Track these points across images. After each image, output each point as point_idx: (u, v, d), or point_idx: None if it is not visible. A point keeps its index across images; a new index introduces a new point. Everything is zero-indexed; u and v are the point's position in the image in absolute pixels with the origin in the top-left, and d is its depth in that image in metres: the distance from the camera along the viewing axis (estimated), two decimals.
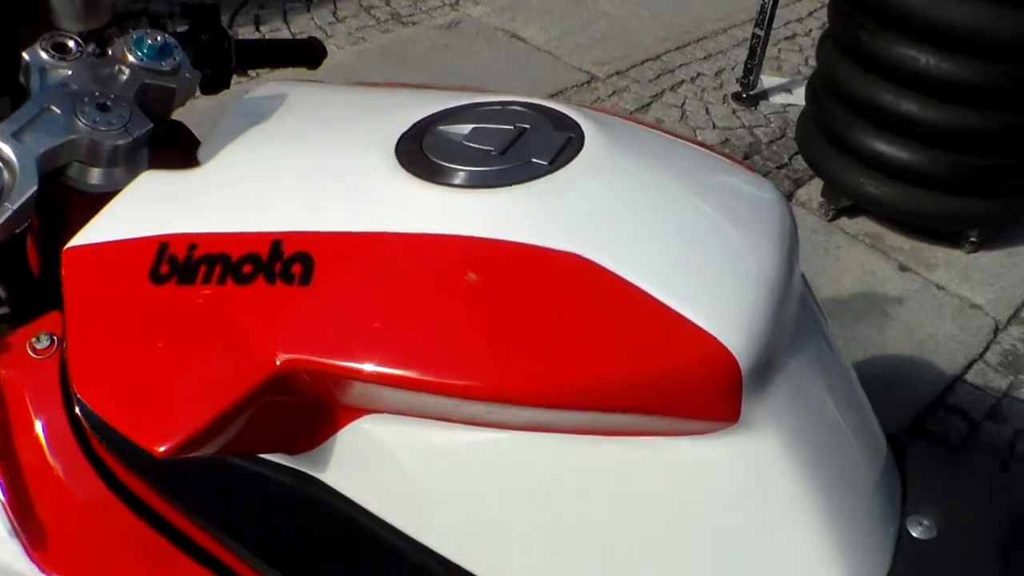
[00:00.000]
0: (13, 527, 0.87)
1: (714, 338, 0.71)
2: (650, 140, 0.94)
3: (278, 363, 0.71)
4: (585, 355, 0.70)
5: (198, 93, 1.14)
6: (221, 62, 1.24)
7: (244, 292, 0.75)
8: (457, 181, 0.81)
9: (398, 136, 0.88)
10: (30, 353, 0.91)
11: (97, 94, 0.99)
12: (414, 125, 0.89)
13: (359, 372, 0.69)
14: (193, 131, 1.19)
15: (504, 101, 0.94)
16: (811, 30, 4.43)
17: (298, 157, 0.92)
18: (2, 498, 0.88)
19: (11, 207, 0.88)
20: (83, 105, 0.96)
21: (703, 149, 0.97)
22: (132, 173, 0.98)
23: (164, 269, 0.80)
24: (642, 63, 4.01)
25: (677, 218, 0.81)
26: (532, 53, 4.06)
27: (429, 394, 0.69)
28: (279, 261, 0.76)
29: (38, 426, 0.89)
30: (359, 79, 3.77)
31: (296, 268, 0.75)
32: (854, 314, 2.73)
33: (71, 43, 1.07)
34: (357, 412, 0.75)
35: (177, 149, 1.11)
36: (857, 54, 2.88)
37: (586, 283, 0.73)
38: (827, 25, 3.12)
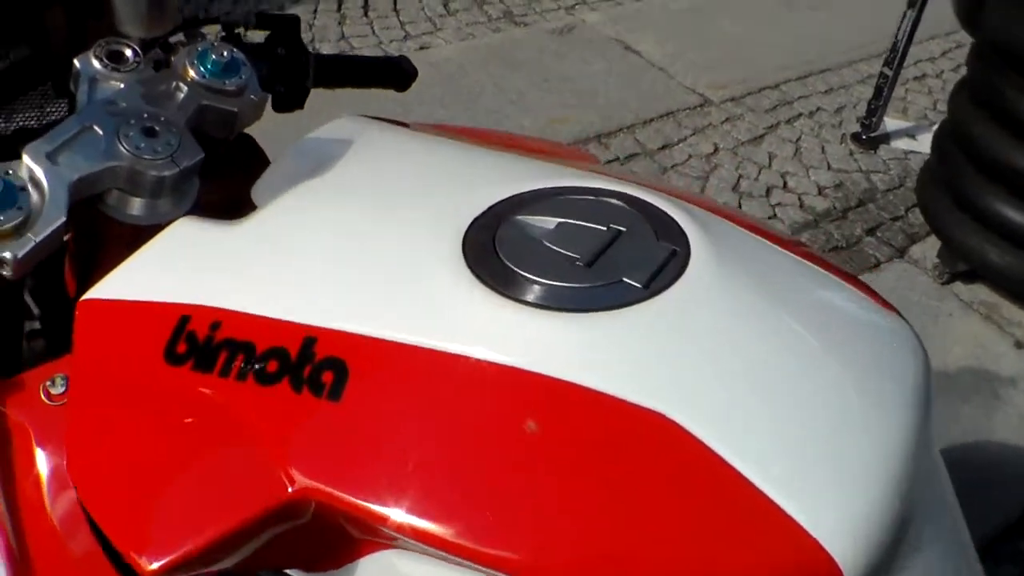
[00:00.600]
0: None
1: (816, 542, 0.57)
2: (766, 258, 0.79)
3: (292, 490, 0.59)
4: (654, 547, 0.57)
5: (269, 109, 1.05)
6: (297, 80, 1.16)
7: (265, 396, 0.65)
8: (531, 297, 0.69)
9: (470, 220, 0.76)
10: (43, 397, 0.84)
11: (145, 115, 0.91)
12: (490, 208, 0.77)
13: (383, 519, 0.58)
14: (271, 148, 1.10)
15: (600, 190, 0.81)
16: (943, 72, 4.18)
17: (352, 228, 0.82)
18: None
19: (34, 239, 0.80)
20: (128, 127, 0.88)
21: (828, 272, 0.81)
22: (178, 206, 0.91)
23: (181, 348, 0.71)
24: (759, 91, 3.83)
25: (790, 375, 0.67)
26: (645, 69, 3.90)
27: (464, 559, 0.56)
28: (309, 364, 0.66)
29: (42, 475, 0.83)
30: (464, 78, 3.67)
31: (327, 376, 0.65)
32: (960, 391, 2.52)
33: (128, 52, 0.99)
34: (382, 545, 0.63)
35: (235, 176, 1.03)
36: (996, 108, 2.66)
37: (668, 453, 0.60)
38: (963, 70, 2.90)
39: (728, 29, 4.28)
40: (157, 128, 0.89)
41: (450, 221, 0.75)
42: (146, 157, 0.87)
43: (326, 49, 3.81)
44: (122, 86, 0.95)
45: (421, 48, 3.89)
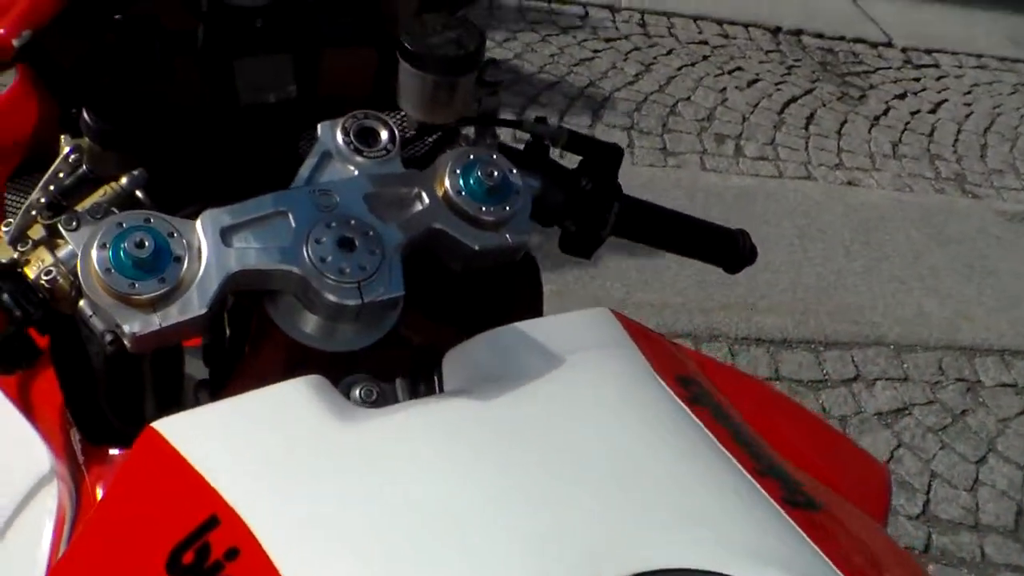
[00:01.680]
0: None
1: None
2: None
3: None
4: None
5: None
6: (594, 223, 0.99)
7: None
8: None
9: None
10: None
11: (353, 221, 0.76)
12: None
13: None
14: None
15: None
16: None
17: (457, 520, 0.63)
18: None
19: (159, 323, 0.71)
20: (324, 230, 0.75)
21: None
22: (362, 336, 0.78)
23: (187, 558, 0.63)
24: None
25: None
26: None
27: None
28: None
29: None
30: (880, 231, 3.29)
31: None
32: None
33: (384, 134, 0.85)
34: None
35: (457, 315, 0.91)
36: None
37: None
38: None
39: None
40: (357, 242, 0.75)
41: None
42: (328, 276, 0.73)
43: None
44: (355, 173, 0.82)
45: (849, 183, 3.56)
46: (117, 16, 0.99)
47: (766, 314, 2.83)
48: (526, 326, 0.78)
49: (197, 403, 0.96)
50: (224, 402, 0.73)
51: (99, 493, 0.83)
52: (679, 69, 3.97)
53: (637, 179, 3.22)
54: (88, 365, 0.89)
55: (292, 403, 0.70)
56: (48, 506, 0.95)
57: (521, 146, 0.99)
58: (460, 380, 0.76)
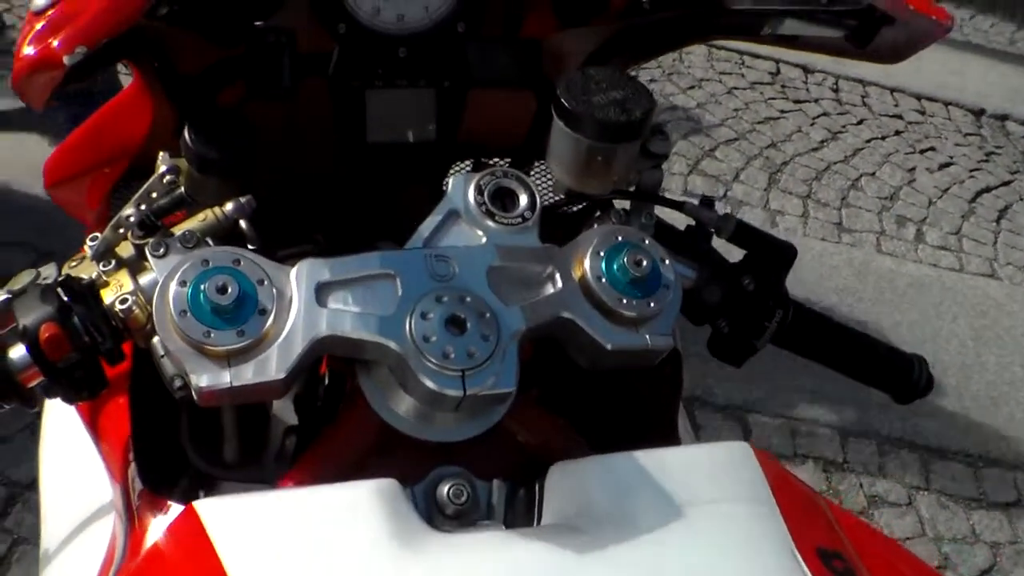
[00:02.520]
0: None
1: None
2: None
3: None
4: None
5: None
6: (752, 329, 0.87)
7: None
8: None
9: None
10: None
11: (468, 299, 0.67)
12: None
13: None
14: None
15: None
16: None
17: None
18: None
19: (229, 382, 0.64)
20: (433, 304, 0.67)
21: None
22: (464, 428, 0.70)
23: None
24: None
25: None
26: None
27: None
28: None
29: None
30: None
31: None
32: None
33: (523, 198, 0.76)
34: None
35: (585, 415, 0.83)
36: None
37: None
38: None
39: None
40: (469, 324, 0.66)
41: None
42: (430, 359, 0.65)
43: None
44: (482, 240, 0.74)
45: None
46: (258, 23, 0.94)
47: (925, 417, 2.64)
48: (648, 457, 0.69)
49: (283, 452, 0.92)
50: (276, 493, 0.68)
51: (147, 542, 0.79)
52: (868, 141, 3.79)
53: (807, 252, 3.07)
54: (165, 402, 0.82)
55: (351, 512, 0.63)
56: (101, 538, 0.92)
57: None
58: (563, 502, 0.68)
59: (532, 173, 1.14)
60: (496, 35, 1.03)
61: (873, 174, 3.61)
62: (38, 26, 0.75)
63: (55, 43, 0.73)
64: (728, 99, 3.78)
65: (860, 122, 3.90)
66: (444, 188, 0.77)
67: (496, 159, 1.19)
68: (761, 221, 3.18)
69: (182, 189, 0.77)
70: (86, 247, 0.77)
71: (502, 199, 0.76)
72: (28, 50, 0.74)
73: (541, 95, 1.03)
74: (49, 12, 0.76)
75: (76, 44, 0.72)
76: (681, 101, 3.67)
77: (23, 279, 0.76)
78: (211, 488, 0.95)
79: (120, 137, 0.99)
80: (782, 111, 3.81)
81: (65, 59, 0.72)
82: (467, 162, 1.20)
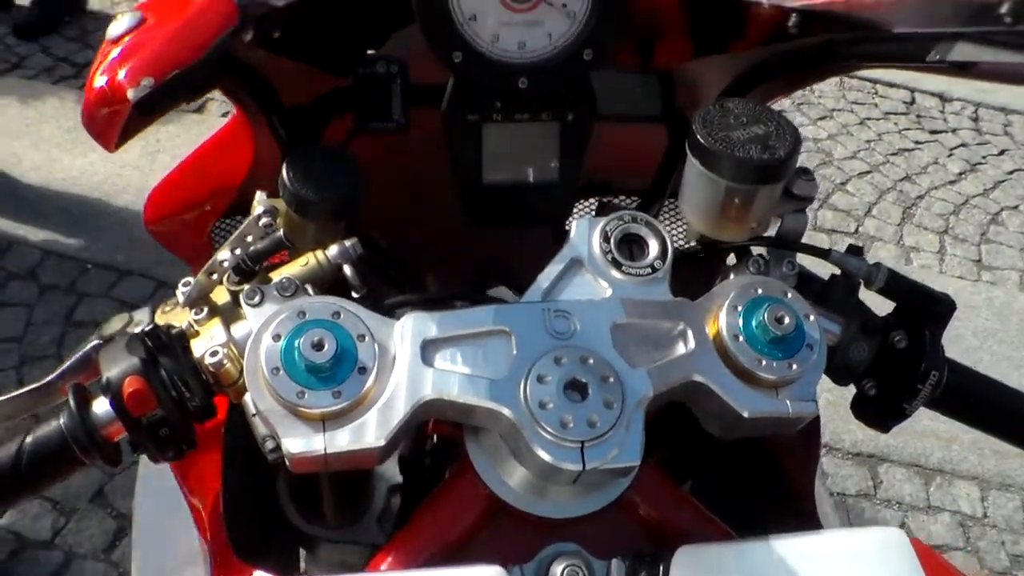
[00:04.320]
0: None
1: None
2: None
3: None
4: None
5: None
6: (904, 391, 0.78)
7: None
8: None
9: None
10: None
11: (591, 360, 0.61)
12: None
13: None
14: None
15: None
16: None
17: None
18: None
19: (322, 447, 0.58)
20: (550, 367, 0.60)
21: None
22: (581, 503, 0.65)
23: None
24: None
25: None
26: None
27: None
28: None
29: None
30: None
31: None
32: None
33: (654, 246, 0.70)
34: None
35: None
36: None
37: None
38: None
39: None
40: (591, 389, 0.60)
41: None
42: (546, 428, 0.58)
43: None
44: (607, 292, 0.67)
45: None
46: (370, 51, 0.88)
47: None
48: (788, 545, 0.62)
49: (386, 512, 0.87)
50: None
51: None
52: (1010, 173, 3.62)
53: (943, 290, 2.96)
54: (260, 458, 0.74)
55: None
56: None
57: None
58: None
59: (662, 215, 1.08)
60: (626, 64, 0.97)
61: (1016, 208, 3.46)
62: (111, 55, 0.70)
63: (121, 75, 0.67)
64: (860, 130, 3.68)
65: (1001, 152, 3.74)
66: (567, 230, 0.72)
67: (623, 197, 1.13)
68: (895, 258, 3.09)
69: (280, 232, 0.73)
70: (178, 292, 0.74)
71: (630, 246, 0.71)
72: (98, 81, 0.69)
73: (673, 129, 0.97)
74: (125, 39, 0.71)
75: (142, 76, 0.66)
76: (811, 132, 3.59)
77: (114, 324, 0.72)
78: (309, 547, 0.91)
79: (222, 173, 0.95)
80: (917, 142, 3.68)
81: (130, 93, 0.66)
82: (591, 201, 1.14)
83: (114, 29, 0.72)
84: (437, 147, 0.86)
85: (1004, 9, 0.70)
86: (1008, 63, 0.72)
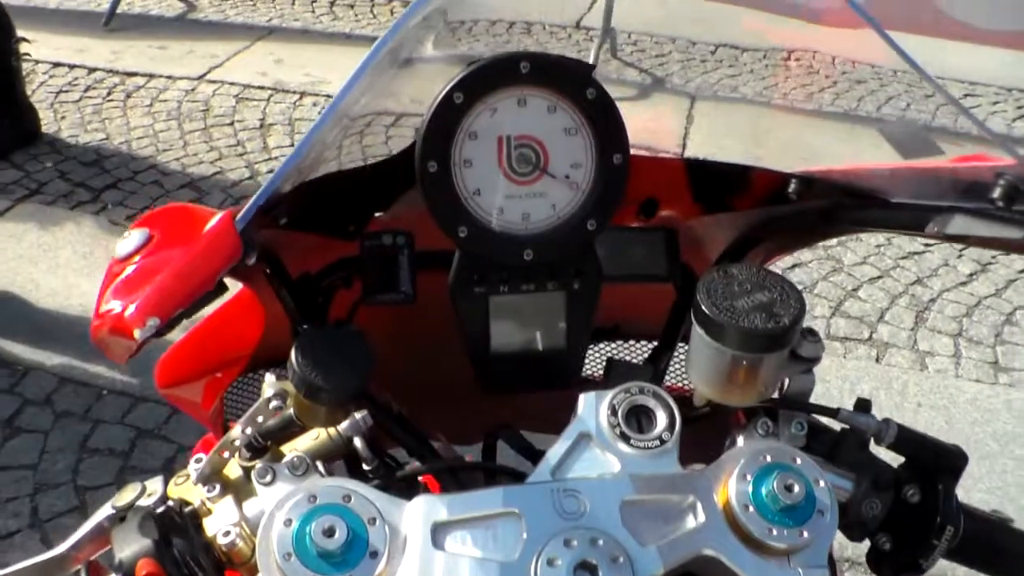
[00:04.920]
0: None
1: None
2: None
3: None
4: None
5: None
6: (915, 547, 0.77)
7: None
8: None
9: None
10: None
11: (600, 542, 0.61)
12: None
13: None
14: None
15: None
16: None
17: None
18: None
19: None
20: (561, 549, 0.61)
21: None
22: None
23: None
24: None
25: None
26: None
27: None
28: None
29: None
30: None
31: None
32: None
33: (662, 419, 0.70)
34: None
35: None
36: None
37: None
38: None
39: None
40: (601, 571, 0.61)
41: None
42: None
43: None
44: (616, 467, 0.68)
45: None
46: (378, 214, 0.89)
47: None
48: None
49: None
50: None
51: None
52: (1021, 272, 3.63)
53: (960, 396, 2.95)
54: None
55: None
56: None
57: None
58: None
59: (674, 359, 1.07)
60: (631, 224, 0.99)
61: None
62: (120, 277, 0.73)
63: (127, 313, 0.70)
64: (869, 235, 3.71)
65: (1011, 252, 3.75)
66: (577, 391, 0.73)
67: (632, 341, 1.15)
68: (910, 363, 3.07)
69: (291, 411, 0.74)
70: (191, 467, 0.74)
71: (638, 418, 0.71)
72: (105, 307, 0.72)
73: (680, 283, 0.98)
74: (135, 258, 0.74)
75: (148, 316, 0.69)
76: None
77: (128, 494, 0.73)
78: None
79: (232, 341, 0.97)
80: (927, 244, 3.70)
81: (137, 333, 0.69)
82: (602, 345, 1.17)
83: (122, 248, 0.75)
84: (446, 312, 0.87)
85: (995, 194, 0.72)
86: (1006, 238, 0.74)
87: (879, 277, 3.48)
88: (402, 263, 0.88)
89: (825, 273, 3.44)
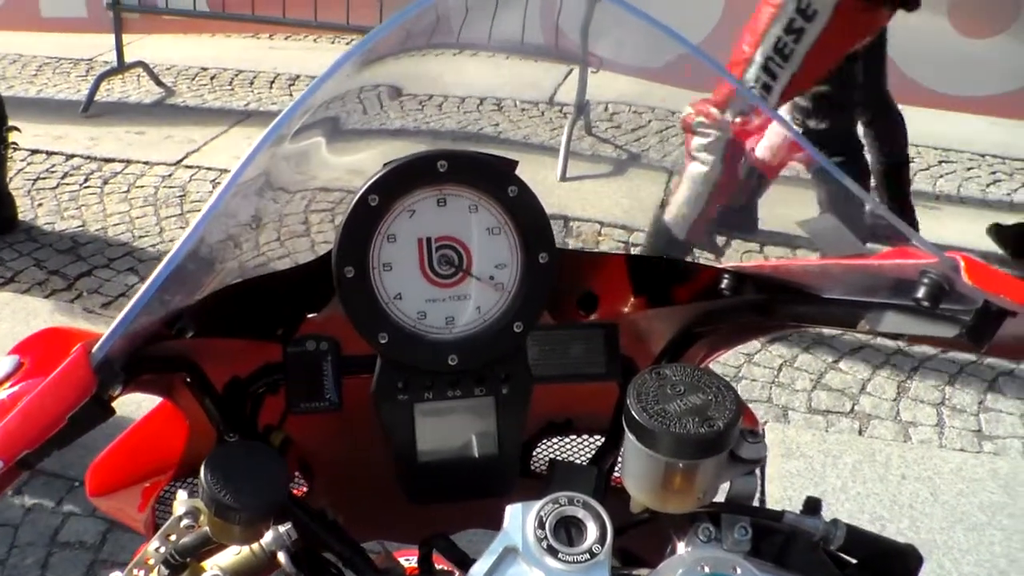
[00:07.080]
0: None
1: None
2: None
3: None
4: None
5: None
6: None
7: None
8: None
9: None
10: None
11: None
12: None
13: None
14: None
15: None
16: None
17: None
18: None
19: None
20: None
21: None
22: None
23: None
24: None
25: None
26: None
27: None
28: None
29: None
30: None
31: None
32: None
33: (591, 529, 0.66)
34: None
35: None
36: None
37: None
38: None
39: None
40: None
41: None
42: None
43: None
44: None
45: None
46: (311, 315, 0.87)
47: None
48: None
49: None
50: None
51: None
52: None
53: (944, 466, 2.90)
54: None
55: None
56: None
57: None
58: None
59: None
60: (571, 320, 0.96)
61: (1011, 372, 3.42)
62: None
63: None
64: None
65: None
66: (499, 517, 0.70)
67: (585, 436, 1.11)
68: (893, 435, 3.04)
69: (206, 528, 0.72)
70: None
71: (568, 529, 0.67)
72: None
73: (623, 380, 0.94)
74: (4, 386, 0.71)
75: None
76: None
77: None
78: None
79: (159, 449, 0.95)
80: None
81: None
82: (554, 440, 1.12)
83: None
84: (373, 419, 0.85)
85: (920, 293, 0.71)
86: (936, 337, 0.73)
87: (860, 348, 3.45)
88: (327, 370, 0.85)
89: (806, 346, 3.42)
